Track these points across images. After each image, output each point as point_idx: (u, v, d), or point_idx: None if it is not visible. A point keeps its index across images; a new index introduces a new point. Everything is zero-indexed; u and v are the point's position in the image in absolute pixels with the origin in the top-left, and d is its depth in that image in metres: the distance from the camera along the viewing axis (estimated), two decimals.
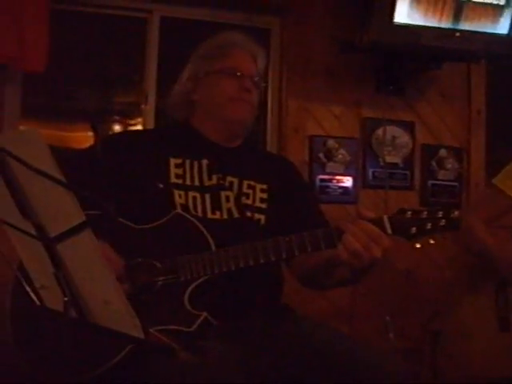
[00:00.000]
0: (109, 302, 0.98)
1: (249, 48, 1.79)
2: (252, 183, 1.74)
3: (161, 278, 1.52)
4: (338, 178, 3.13)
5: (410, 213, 1.48)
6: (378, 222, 1.46)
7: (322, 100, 3.15)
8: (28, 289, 1.19)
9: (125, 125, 3.66)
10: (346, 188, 3.15)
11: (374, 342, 2.85)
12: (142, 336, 0.96)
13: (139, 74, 3.13)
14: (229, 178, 1.72)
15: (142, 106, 3.11)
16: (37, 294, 1.19)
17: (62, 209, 0.94)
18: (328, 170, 3.11)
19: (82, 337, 1.13)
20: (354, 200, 3.14)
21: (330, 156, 3.10)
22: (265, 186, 1.75)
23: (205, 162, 1.71)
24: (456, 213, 1.48)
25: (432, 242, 1.52)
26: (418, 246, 1.52)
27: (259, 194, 1.73)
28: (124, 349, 1.39)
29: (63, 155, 1.80)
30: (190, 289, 1.51)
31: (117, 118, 3.70)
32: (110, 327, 1.03)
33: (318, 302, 2.91)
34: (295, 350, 1.58)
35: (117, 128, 3.72)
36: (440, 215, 1.47)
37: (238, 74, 1.73)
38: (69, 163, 1.69)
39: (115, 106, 3.58)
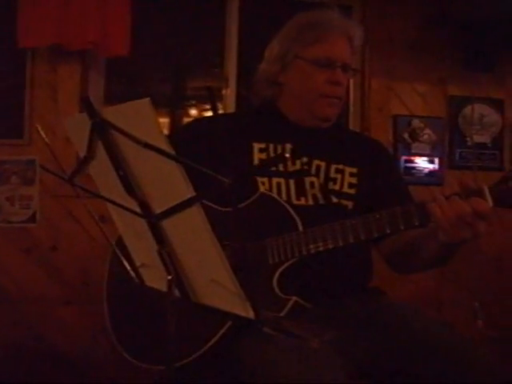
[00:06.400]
0: (216, 281, 0.94)
1: (345, 29, 1.65)
2: (341, 167, 1.66)
3: (249, 263, 1.48)
4: (423, 158, 3.03)
5: None
6: (478, 194, 1.36)
7: (406, 78, 3.04)
8: (128, 267, 1.17)
9: (202, 110, 3.67)
10: (431, 169, 3.04)
11: (462, 329, 2.75)
12: (252, 317, 0.92)
13: (219, 58, 3.10)
14: (316, 162, 1.64)
15: (223, 91, 3.08)
16: (136, 272, 1.18)
17: (169, 184, 0.91)
18: (413, 150, 3.02)
19: (184, 316, 1.11)
20: (440, 181, 3.03)
21: (415, 136, 3.00)
22: (355, 170, 1.67)
23: (288, 146, 1.64)
24: None
25: None
26: None
27: (348, 179, 1.65)
28: (221, 329, 1.38)
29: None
30: (278, 272, 1.46)
31: (193, 102, 3.71)
32: (216, 307, 1.00)
33: (405, 287, 2.83)
34: (391, 336, 1.51)
35: (193, 112, 3.74)
36: None
37: (331, 65, 1.61)
38: (180, 137, 1.69)
39: (193, 91, 3.59)
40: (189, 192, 0.89)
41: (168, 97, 3.53)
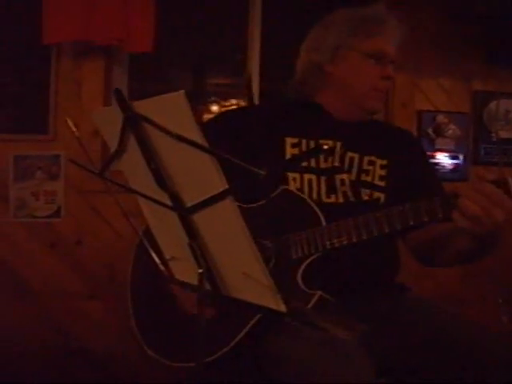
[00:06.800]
0: (248, 274, 0.94)
1: (395, 26, 1.65)
2: (373, 159, 1.65)
3: (273, 259, 1.48)
4: (447, 154, 3.00)
5: None
6: (502, 184, 1.33)
7: (431, 73, 3.01)
8: (156, 260, 1.17)
9: (224, 107, 3.67)
10: (456, 165, 3.01)
11: (486, 326, 2.72)
12: (283, 310, 0.92)
13: (242, 54, 3.09)
14: (349, 154, 1.64)
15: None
16: (165, 265, 1.18)
17: (202, 177, 0.91)
18: (437, 146, 2.99)
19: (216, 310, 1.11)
20: (465, 177, 3.00)
21: (439, 131, 2.97)
22: (385, 162, 1.66)
23: (322, 141, 1.63)
24: None
25: None
26: None
27: (379, 171, 1.65)
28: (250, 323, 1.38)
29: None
30: (302, 267, 1.45)
31: (214, 99, 3.71)
32: (247, 300, 1.00)
33: (426, 282, 2.81)
34: (414, 333, 1.50)
35: (214, 109, 3.74)
36: None
37: (384, 59, 1.62)
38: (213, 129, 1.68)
39: (214, 87, 3.59)
40: (222, 185, 0.89)
41: (189, 93, 3.53)
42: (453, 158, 3.02)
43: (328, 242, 1.44)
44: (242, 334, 1.40)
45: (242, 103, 3.31)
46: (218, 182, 0.89)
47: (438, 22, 3.00)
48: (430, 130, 2.98)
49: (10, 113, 2.78)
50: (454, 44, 3.01)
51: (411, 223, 1.39)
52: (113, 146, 1.09)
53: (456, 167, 3.02)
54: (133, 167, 1.10)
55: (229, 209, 0.91)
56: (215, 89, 3.63)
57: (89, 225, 2.77)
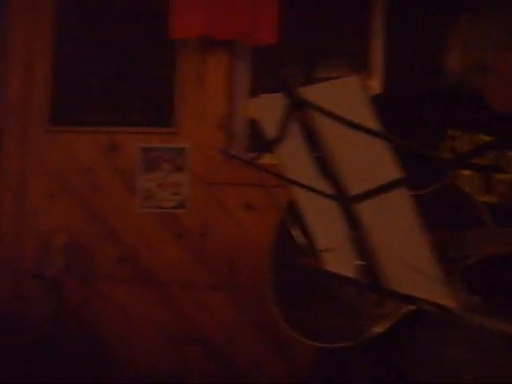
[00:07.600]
0: (418, 268, 0.90)
1: None
2: None
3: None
4: None
5: None
6: None
7: None
8: (310, 251, 1.15)
9: None
10: None
11: None
12: (454, 306, 0.87)
13: (362, 45, 3.02)
14: (510, 153, 1.54)
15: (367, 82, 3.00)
16: (314, 251, 1.15)
17: (373, 164, 0.88)
18: None
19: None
20: None
21: None
22: None
23: (481, 137, 1.54)
24: None
25: None
26: None
27: None
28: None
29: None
30: (460, 267, 1.37)
31: None
32: (410, 294, 0.96)
33: None
34: None
35: None
36: None
37: None
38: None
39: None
40: (396, 173, 0.85)
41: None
42: None
43: (490, 247, 1.37)
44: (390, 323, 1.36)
45: None
46: (391, 170, 0.85)
47: None
48: None
49: (139, 107, 2.88)
50: None
51: None
52: (270, 134, 1.08)
53: None
54: (289, 156, 1.08)
55: (401, 198, 0.87)
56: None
57: (212, 217, 2.81)
